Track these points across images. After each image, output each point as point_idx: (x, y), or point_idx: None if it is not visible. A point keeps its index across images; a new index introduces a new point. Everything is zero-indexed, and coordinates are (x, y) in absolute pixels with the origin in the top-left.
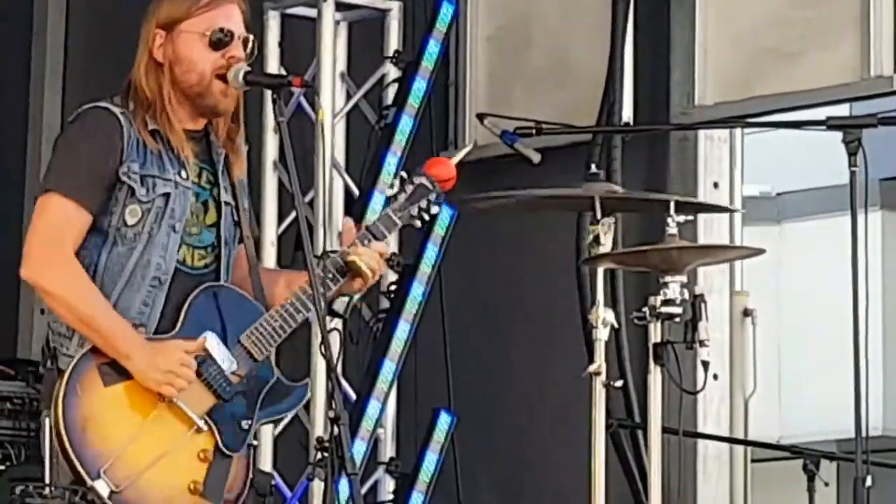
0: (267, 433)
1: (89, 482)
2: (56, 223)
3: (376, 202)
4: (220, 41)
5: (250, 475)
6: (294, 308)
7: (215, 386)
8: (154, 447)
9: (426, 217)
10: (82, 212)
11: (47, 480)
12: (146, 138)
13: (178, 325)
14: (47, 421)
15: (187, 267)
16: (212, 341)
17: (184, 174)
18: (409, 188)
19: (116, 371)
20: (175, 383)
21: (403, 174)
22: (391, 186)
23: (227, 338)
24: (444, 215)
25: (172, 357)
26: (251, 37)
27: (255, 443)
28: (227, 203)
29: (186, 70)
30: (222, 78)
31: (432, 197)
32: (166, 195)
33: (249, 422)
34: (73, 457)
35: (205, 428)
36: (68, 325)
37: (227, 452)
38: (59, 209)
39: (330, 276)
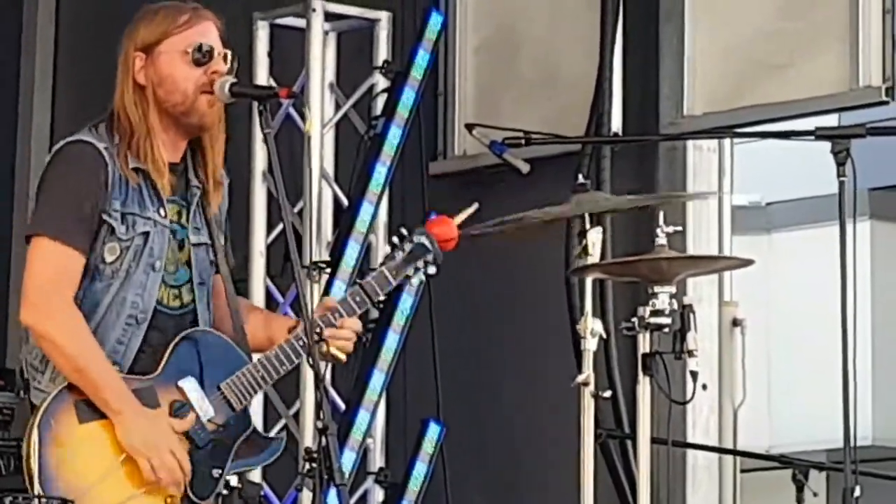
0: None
1: None
2: (53, 269)
3: (365, 212)
4: (201, 58)
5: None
6: (279, 360)
7: (190, 432)
8: (123, 488)
9: (423, 278)
10: (77, 256)
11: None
12: (128, 175)
13: (160, 367)
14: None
15: (164, 307)
16: (189, 387)
17: (162, 212)
18: (408, 246)
19: (93, 408)
20: (154, 456)
21: (404, 231)
22: (391, 242)
23: (207, 384)
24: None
25: (159, 428)
26: (229, 52)
27: (224, 492)
28: (197, 244)
29: (170, 90)
30: (207, 93)
31: (430, 258)
32: (145, 234)
33: (220, 471)
34: (41, 492)
35: None
36: (63, 372)
37: (195, 501)
38: (55, 255)
39: (301, 343)
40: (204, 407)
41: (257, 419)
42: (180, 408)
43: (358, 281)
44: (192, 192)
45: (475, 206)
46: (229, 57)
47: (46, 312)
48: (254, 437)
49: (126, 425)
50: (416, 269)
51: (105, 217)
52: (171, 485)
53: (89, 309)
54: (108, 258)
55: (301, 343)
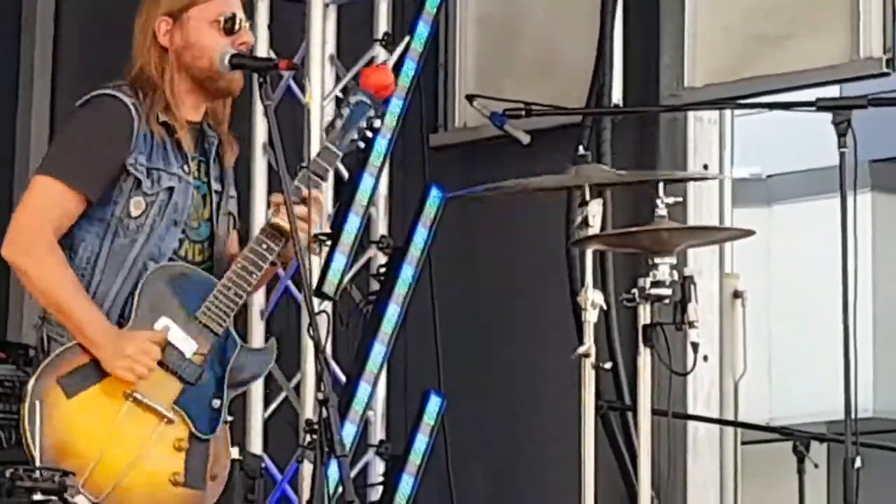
0: (257, 415)
1: (70, 501)
2: (45, 206)
3: (366, 184)
4: (231, 28)
5: (230, 449)
6: (246, 271)
7: (179, 371)
8: (129, 449)
9: (368, 135)
10: (76, 196)
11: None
12: (155, 130)
13: (132, 313)
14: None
15: (189, 262)
16: (167, 325)
17: (186, 168)
18: (346, 111)
19: (75, 381)
20: (134, 369)
21: (339, 94)
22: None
23: (184, 317)
24: (434, 198)
25: (134, 343)
26: (251, 24)
27: (230, 419)
28: (217, 192)
29: (198, 55)
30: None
31: (371, 113)
32: (170, 189)
33: (220, 400)
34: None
35: (175, 418)
36: (46, 308)
37: (203, 437)
38: (51, 192)
39: (264, 246)
40: (185, 342)
41: (257, 391)
42: (162, 350)
43: (303, 165)
44: (209, 143)
45: (404, 42)
46: (252, 28)
47: (25, 248)
48: (242, 355)
49: (104, 354)
50: (361, 130)
51: (132, 170)
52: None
53: (117, 264)
54: (134, 212)
55: (264, 246)
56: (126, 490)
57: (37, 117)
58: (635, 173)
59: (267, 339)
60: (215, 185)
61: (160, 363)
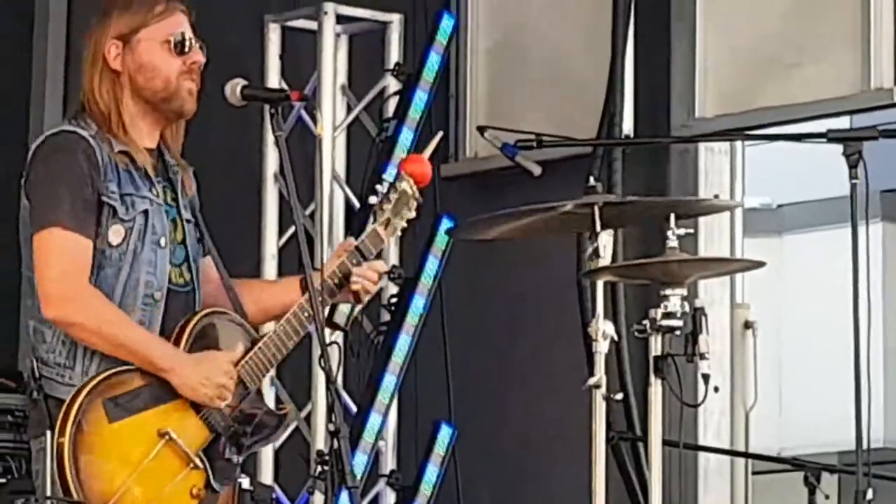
0: (268, 446)
1: None
2: (65, 258)
3: None
4: (182, 48)
5: (241, 479)
6: (286, 335)
7: (211, 420)
8: (152, 489)
9: (405, 225)
10: (85, 240)
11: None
12: (117, 158)
13: (182, 346)
14: (47, 439)
15: (173, 285)
16: None
17: (155, 191)
18: (394, 196)
19: (121, 407)
20: (223, 395)
21: (387, 181)
22: (376, 193)
23: None
24: (445, 228)
25: (221, 368)
26: (203, 43)
27: (243, 478)
28: (188, 220)
29: (150, 77)
30: (189, 80)
31: (413, 203)
32: (145, 212)
33: (238, 456)
34: (76, 495)
35: (199, 465)
36: (104, 351)
37: (217, 488)
38: (64, 243)
39: (306, 314)
40: None
41: None
42: None
43: (355, 245)
44: (172, 170)
45: (440, 134)
46: (204, 48)
47: (70, 301)
48: (266, 416)
49: (185, 380)
50: (403, 217)
51: (105, 199)
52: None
53: (107, 297)
54: (114, 240)
55: (306, 314)
56: None
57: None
58: (649, 199)
59: (279, 375)
60: (185, 214)
61: (196, 408)
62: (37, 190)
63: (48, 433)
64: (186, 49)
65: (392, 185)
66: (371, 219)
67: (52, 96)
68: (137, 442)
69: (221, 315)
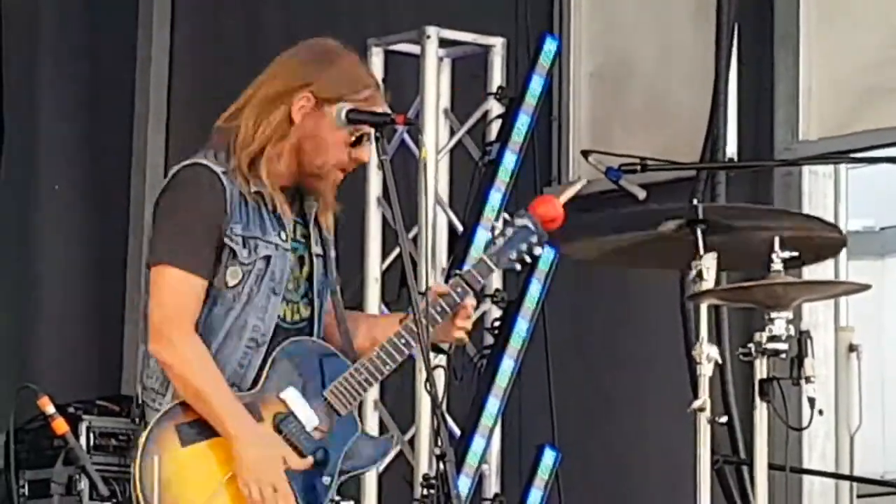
0: (371, 469)
1: None
2: (180, 299)
3: (480, 238)
4: (358, 142)
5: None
6: (381, 360)
7: (295, 442)
8: None
9: (527, 260)
10: (199, 281)
11: None
12: (248, 197)
13: (261, 381)
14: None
15: (286, 322)
16: (292, 396)
17: (283, 235)
18: (510, 231)
19: (195, 431)
20: (266, 496)
21: (506, 215)
22: (492, 229)
23: (311, 392)
24: (548, 252)
25: (278, 469)
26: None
27: (337, 498)
28: (318, 255)
29: (317, 152)
30: (342, 171)
31: (534, 239)
32: (267, 258)
33: (331, 479)
34: None
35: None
36: (184, 397)
37: None
38: (178, 282)
39: (403, 341)
40: (307, 415)
41: None
42: (283, 419)
43: (458, 272)
44: (307, 207)
45: (583, 182)
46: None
47: (169, 343)
48: (361, 441)
49: (240, 453)
50: (520, 253)
51: (227, 241)
52: None
53: (210, 333)
54: (231, 282)
55: (403, 341)
56: None
57: (151, 170)
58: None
59: (383, 398)
60: (316, 249)
61: (278, 430)
62: (162, 221)
63: (141, 458)
64: (360, 143)
65: (510, 221)
66: (484, 248)
67: (155, 126)
68: (211, 466)
69: (310, 342)
